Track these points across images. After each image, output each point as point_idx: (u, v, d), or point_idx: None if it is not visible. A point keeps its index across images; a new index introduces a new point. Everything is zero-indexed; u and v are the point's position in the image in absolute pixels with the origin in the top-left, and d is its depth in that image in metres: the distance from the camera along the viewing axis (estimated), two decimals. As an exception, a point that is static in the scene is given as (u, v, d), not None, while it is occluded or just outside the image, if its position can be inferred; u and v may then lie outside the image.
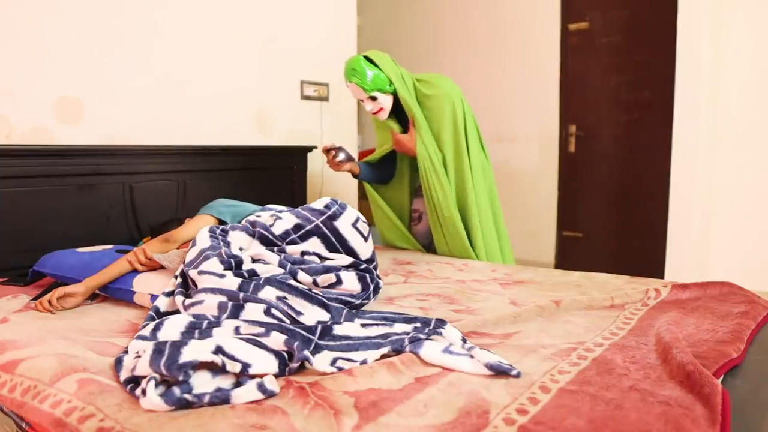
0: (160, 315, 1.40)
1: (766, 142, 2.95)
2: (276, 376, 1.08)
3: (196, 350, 1.03)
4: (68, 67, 2.19)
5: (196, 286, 1.43)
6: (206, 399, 0.97)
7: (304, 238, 1.65)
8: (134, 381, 1.04)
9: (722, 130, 3.04)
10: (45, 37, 2.12)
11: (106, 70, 2.30)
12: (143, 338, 1.21)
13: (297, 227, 1.65)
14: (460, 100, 2.28)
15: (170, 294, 1.46)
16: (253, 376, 1.05)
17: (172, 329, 1.22)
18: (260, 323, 1.24)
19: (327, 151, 2.36)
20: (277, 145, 2.97)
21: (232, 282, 1.39)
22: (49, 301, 1.53)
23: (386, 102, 2.27)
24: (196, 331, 1.22)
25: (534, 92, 3.90)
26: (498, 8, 4.03)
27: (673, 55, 3.01)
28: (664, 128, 3.17)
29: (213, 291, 1.36)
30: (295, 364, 1.11)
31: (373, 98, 2.24)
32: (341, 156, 2.35)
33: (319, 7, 3.19)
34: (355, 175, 2.46)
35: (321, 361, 1.13)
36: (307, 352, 1.12)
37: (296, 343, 1.13)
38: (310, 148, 3.02)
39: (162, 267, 1.63)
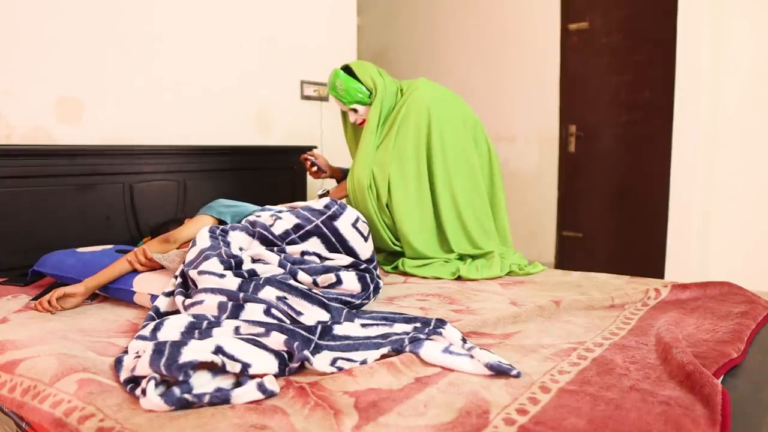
0: (160, 315, 1.40)
1: (766, 142, 2.95)
2: (276, 376, 1.08)
3: (196, 350, 1.03)
4: (68, 67, 2.19)
5: (196, 286, 1.43)
6: (206, 399, 0.97)
7: (304, 238, 1.65)
8: (134, 381, 1.04)
9: (722, 130, 3.03)
10: (45, 36, 2.12)
11: (106, 70, 2.30)
12: (143, 338, 1.21)
13: (297, 227, 1.65)
14: (426, 110, 2.11)
15: (170, 294, 1.46)
16: (253, 376, 1.04)
17: (172, 329, 1.22)
18: (260, 323, 1.24)
19: (305, 159, 2.36)
20: (277, 145, 2.97)
21: (232, 282, 1.39)
22: (49, 302, 1.53)
23: (367, 113, 2.20)
24: (196, 331, 1.22)
25: (534, 92, 3.90)
26: (498, 8, 4.02)
27: (673, 55, 3.01)
28: (664, 128, 3.16)
29: (213, 291, 1.36)
30: (295, 364, 1.11)
31: (354, 110, 2.21)
32: (315, 168, 2.36)
33: (319, 7, 3.19)
34: (338, 181, 2.41)
35: (321, 361, 1.13)
36: (307, 352, 1.12)
37: (296, 343, 1.13)
38: (310, 148, 3.01)
39: (162, 267, 1.63)
